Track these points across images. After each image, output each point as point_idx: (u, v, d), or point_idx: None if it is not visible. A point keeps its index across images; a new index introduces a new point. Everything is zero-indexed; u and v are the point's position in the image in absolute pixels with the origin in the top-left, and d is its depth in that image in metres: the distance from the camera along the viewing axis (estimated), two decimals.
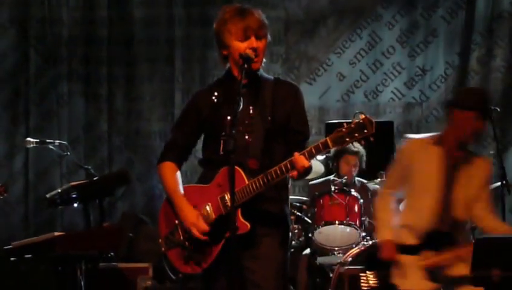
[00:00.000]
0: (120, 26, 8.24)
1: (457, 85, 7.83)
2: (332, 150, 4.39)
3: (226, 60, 3.76)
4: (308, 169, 3.50)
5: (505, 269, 5.39)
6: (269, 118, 3.68)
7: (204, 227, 3.64)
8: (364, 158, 6.61)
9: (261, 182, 3.53)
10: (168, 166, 3.83)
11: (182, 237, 3.73)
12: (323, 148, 3.43)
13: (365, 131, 3.35)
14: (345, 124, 3.39)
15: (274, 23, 7.93)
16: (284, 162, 3.49)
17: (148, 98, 8.19)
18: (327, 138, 3.41)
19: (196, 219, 3.66)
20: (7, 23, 8.20)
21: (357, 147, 6.43)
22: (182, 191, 3.76)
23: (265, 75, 3.81)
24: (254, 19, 3.66)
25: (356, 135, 3.36)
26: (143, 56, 8.20)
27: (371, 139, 3.37)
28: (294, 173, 3.49)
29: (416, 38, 7.97)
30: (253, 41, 3.65)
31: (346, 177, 6.48)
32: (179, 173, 3.82)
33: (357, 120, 3.36)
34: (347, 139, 3.37)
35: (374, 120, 3.36)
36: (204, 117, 3.77)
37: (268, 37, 3.73)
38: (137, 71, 8.20)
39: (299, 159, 3.45)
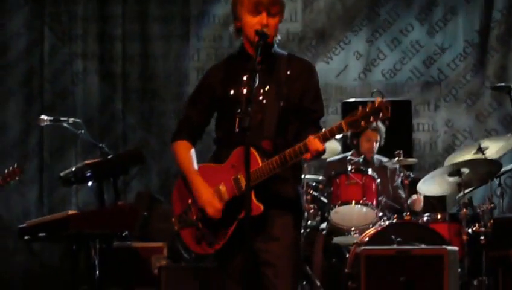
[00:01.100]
0: (135, 3, 8.20)
1: (477, 63, 7.75)
2: None
3: (239, 33, 3.72)
4: (321, 152, 3.47)
5: None
6: (283, 96, 3.64)
7: (219, 205, 3.61)
8: (384, 135, 6.54)
9: (275, 164, 3.50)
10: (182, 144, 3.80)
11: (195, 217, 3.70)
12: (337, 132, 3.42)
13: (380, 115, 3.33)
14: (360, 107, 3.36)
15: (291, 1, 7.87)
16: (298, 145, 3.47)
17: (163, 77, 8.15)
18: (342, 121, 3.40)
19: (211, 197, 3.63)
20: (21, 1, 8.17)
21: None
22: (196, 168, 3.72)
23: (279, 50, 3.77)
24: None
25: (371, 118, 3.34)
26: (158, 34, 8.15)
27: (386, 123, 3.39)
28: (308, 155, 3.46)
29: (435, 16, 7.87)
30: (264, 17, 3.60)
31: (366, 154, 6.45)
32: (193, 151, 3.79)
33: (372, 104, 3.34)
34: (362, 123, 3.36)
35: (389, 104, 3.34)
36: (218, 94, 3.73)
37: (284, 13, 3.68)
38: (152, 49, 8.16)
39: (314, 142, 3.43)
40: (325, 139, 3.44)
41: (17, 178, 5.91)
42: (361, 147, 6.55)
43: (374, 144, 6.53)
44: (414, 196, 6.26)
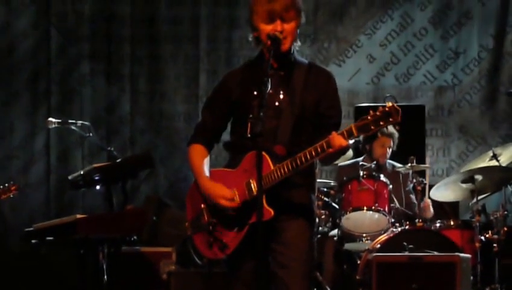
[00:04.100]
0: (143, 4, 8.16)
1: (491, 68, 7.71)
2: None
3: (258, 42, 3.72)
4: (345, 148, 3.46)
5: None
6: (299, 103, 3.64)
7: (232, 194, 3.61)
8: (397, 140, 6.50)
9: (287, 167, 3.51)
10: (197, 148, 3.82)
11: (207, 222, 3.71)
12: (348, 136, 3.41)
13: (391, 119, 3.33)
14: (371, 112, 3.37)
15: (303, 2, 7.80)
16: (320, 143, 3.46)
17: (172, 79, 8.11)
18: (352, 125, 3.41)
19: (221, 189, 3.64)
20: (27, 1, 8.13)
21: (390, 127, 6.35)
22: (207, 174, 3.73)
23: (300, 59, 3.77)
24: (280, 1, 3.61)
25: (382, 123, 3.35)
26: (167, 35, 8.10)
27: (397, 127, 3.42)
28: (330, 150, 3.45)
29: (449, 20, 7.83)
30: (277, 25, 3.61)
31: (379, 159, 6.43)
32: (206, 155, 3.81)
33: (383, 108, 3.34)
34: (372, 127, 3.36)
35: (400, 109, 3.33)
36: (234, 99, 3.74)
37: (302, 18, 3.69)
38: (161, 51, 8.12)
39: (337, 137, 3.41)
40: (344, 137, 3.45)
41: (11, 195, 5.82)
42: (374, 153, 6.51)
43: (388, 149, 6.50)
44: (422, 202, 6.20)
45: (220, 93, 3.82)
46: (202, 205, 3.73)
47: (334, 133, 3.44)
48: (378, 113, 3.35)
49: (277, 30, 3.59)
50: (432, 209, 6.27)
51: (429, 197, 6.20)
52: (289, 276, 3.61)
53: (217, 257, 3.72)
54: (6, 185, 5.81)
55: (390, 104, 3.34)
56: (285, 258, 3.61)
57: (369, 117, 3.36)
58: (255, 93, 3.60)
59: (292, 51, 3.71)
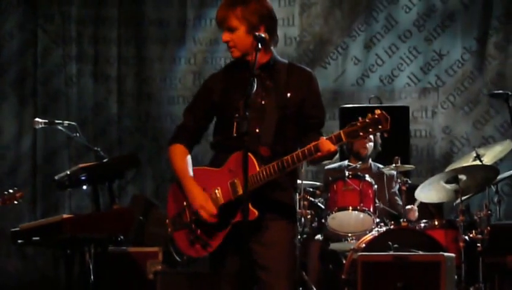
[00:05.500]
0: (130, 5, 8.16)
1: (475, 70, 7.76)
2: None
3: None
4: (333, 153, 3.50)
5: None
6: (282, 104, 3.66)
7: (213, 210, 3.62)
8: (379, 139, 6.50)
9: (273, 169, 3.53)
10: (178, 148, 3.82)
11: (189, 220, 3.72)
12: (336, 141, 3.44)
13: (380, 127, 3.36)
14: (360, 118, 3.40)
15: (288, 5, 7.85)
16: (308, 146, 3.48)
17: (158, 80, 8.12)
18: (341, 131, 3.44)
19: (205, 201, 3.64)
20: (14, 2, 8.12)
21: None
22: (191, 173, 3.74)
23: (280, 59, 3.79)
24: (219, 11, 3.69)
25: (371, 129, 3.38)
26: (154, 37, 8.12)
27: (385, 135, 3.41)
28: (318, 154, 3.47)
29: (433, 22, 7.86)
30: (224, 35, 3.69)
31: (359, 151, 6.43)
32: (189, 156, 3.81)
33: (372, 115, 3.37)
34: (361, 134, 3.40)
35: (389, 117, 3.37)
36: (216, 100, 3.76)
37: (261, 18, 3.65)
38: (147, 52, 8.12)
39: (326, 142, 3.45)
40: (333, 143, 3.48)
41: (16, 202, 5.81)
42: (354, 145, 6.47)
43: (367, 140, 6.44)
44: (409, 207, 6.22)
45: (201, 95, 3.85)
46: (184, 203, 3.74)
47: (322, 138, 3.47)
48: (367, 120, 3.39)
49: (224, 40, 3.68)
50: (416, 215, 6.30)
51: (414, 197, 6.23)
52: (271, 278, 3.63)
53: (199, 255, 3.74)
54: (11, 191, 5.78)
55: (379, 111, 3.38)
56: (266, 260, 3.63)
57: (358, 123, 3.40)
58: (239, 94, 3.60)
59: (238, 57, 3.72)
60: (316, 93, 3.76)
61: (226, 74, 3.81)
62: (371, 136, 6.46)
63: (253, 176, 3.52)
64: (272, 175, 3.53)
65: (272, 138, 3.64)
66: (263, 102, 3.67)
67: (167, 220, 3.83)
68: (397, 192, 6.44)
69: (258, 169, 3.54)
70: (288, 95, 3.67)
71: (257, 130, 3.62)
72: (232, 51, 3.70)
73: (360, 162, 6.46)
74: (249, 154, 3.47)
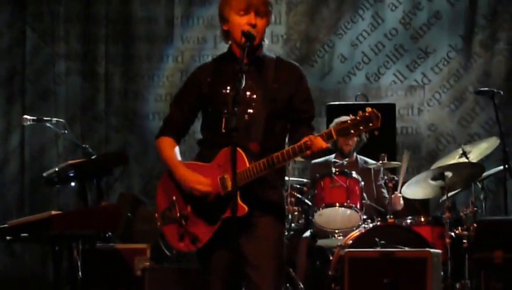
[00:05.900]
0: (118, 4, 8.16)
1: (460, 68, 7.80)
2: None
3: (227, 36, 3.73)
4: (324, 150, 3.49)
5: (507, 251, 5.44)
6: (271, 99, 3.65)
7: (208, 181, 3.59)
8: (364, 137, 6.52)
9: (263, 166, 3.52)
10: (165, 140, 3.82)
11: (178, 214, 3.70)
12: (327, 139, 3.43)
13: (370, 124, 3.35)
14: (351, 115, 3.40)
15: (275, 3, 7.86)
16: (299, 143, 3.47)
17: (146, 78, 8.12)
18: (332, 129, 3.43)
19: (197, 176, 3.62)
20: (3, 0, 8.11)
21: None
22: (181, 161, 3.74)
23: (268, 54, 3.78)
24: None
25: (361, 127, 3.37)
26: (142, 35, 8.12)
27: (375, 133, 3.39)
28: (308, 153, 3.48)
29: (419, 20, 7.90)
30: (252, 17, 3.61)
31: (343, 148, 6.45)
32: (177, 147, 3.80)
33: (363, 113, 3.37)
34: (352, 131, 3.38)
35: (380, 115, 3.37)
36: (204, 94, 3.74)
37: (272, 16, 3.70)
38: (135, 50, 8.13)
39: (317, 140, 3.44)
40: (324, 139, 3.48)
41: None
42: (338, 142, 6.47)
43: (350, 139, 6.43)
44: (393, 195, 6.23)
45: (189, 87, 3.82)
46: (174, 197, 3.73)
47: (312, 136, 3.46)
48: (358, 117, 3.37)
49: (251, 22, 3.60)
50: (402, 202, 6.28)
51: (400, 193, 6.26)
52: (259, 277, 3.62)
53: (188, 250, 3.72)
54: None
55: (370, 109, 3.37)
56: (254, 257, 3.62)
57: (349, 121, 3.39)
58: (228, 88, 3.62)
59: (261, 47, 3.72)
60: (306, 87, 3.76)
61: (215, 67, 3.78)
62: None
63: (243, 172, 3.51)
64: (262, 171, 3.52)
65: (261, 133, 3.62)
66: (251, 97, 3.66)
67: (156, 214, 3.82)
68: (383, 185, 6.45)
69: (248, 165, 3.53)
70: (277, 90, 3.67)
71: (246, 125, 3.61)
72: (254, 38, 3.59)
73: (346, 159, 6.47)
74: (239, 150, 3.46)
